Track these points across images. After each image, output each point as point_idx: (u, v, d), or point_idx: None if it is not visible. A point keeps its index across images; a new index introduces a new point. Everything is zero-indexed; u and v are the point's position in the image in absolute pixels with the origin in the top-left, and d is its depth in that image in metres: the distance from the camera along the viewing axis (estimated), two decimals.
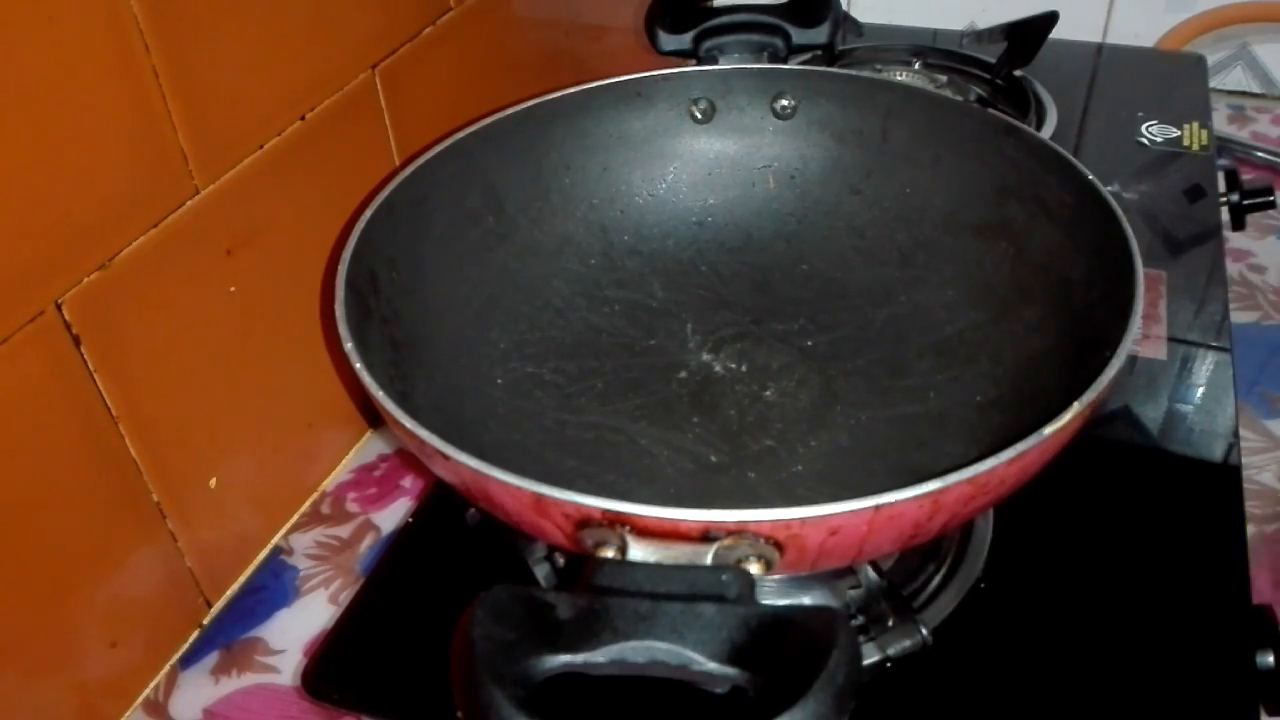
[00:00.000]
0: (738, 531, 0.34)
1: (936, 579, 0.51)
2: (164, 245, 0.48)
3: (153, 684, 0.53)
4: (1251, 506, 0.57)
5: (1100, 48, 1.00)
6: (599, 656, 0.30)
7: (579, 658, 0.31)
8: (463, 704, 0.29)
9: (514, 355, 0.58)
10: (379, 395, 0.41)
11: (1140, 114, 0.87)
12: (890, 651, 0.47)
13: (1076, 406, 0.38)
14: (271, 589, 0.57)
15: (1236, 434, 0.59)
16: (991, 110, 0.59)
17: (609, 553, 0.34)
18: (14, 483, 0.43)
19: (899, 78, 0.86)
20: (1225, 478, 0.56)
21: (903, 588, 0.50)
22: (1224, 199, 0.77)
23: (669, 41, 0.64)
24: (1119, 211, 0.48)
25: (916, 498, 0.35)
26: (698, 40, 0.63)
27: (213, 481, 0.54)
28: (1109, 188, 0.51)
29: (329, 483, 0.63)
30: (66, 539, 0.46)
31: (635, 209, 0.64)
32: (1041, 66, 0.88)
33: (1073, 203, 0.52)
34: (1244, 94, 1.03)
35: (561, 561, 0.53)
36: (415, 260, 0.54)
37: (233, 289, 0.53)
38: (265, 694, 0.52)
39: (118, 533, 0.49)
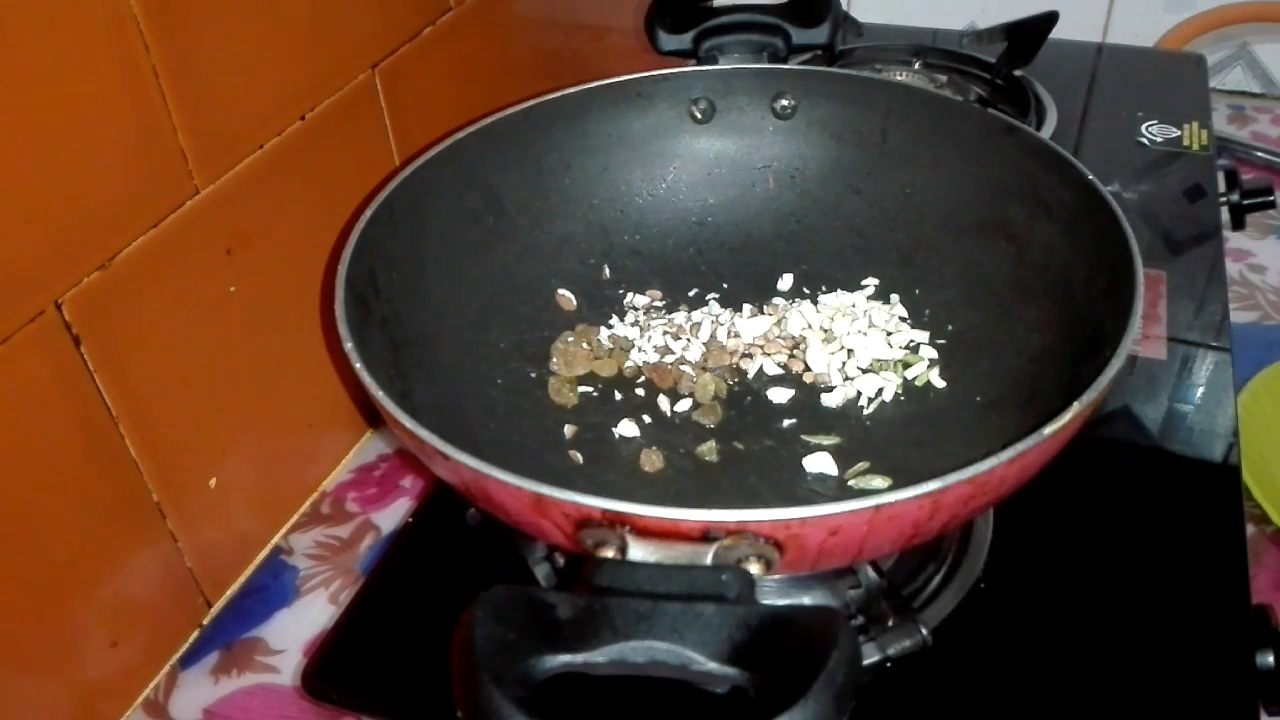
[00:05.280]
0: (738, 531, 0.34)
1: (936, 579, 0.51)
2: (164, 245, 0.48)
3: (153, 684, 0.53)
4: (1251, 506, 0.57)
5: (1100, 48, 1.00)
6: (599, 656, 0.30)
7: (579, 658, 0.31)
8: (463, 704, 0.29)
9: (514, 355, 0.58)
10: (379, 395, 0.41)
11: (1140, 114, 0.87)
12: (890, 651, 0.47)
13: (1076, 406, 0.38)
14: (271, 589, 0.57)
15: (1236, 434, 0.59)
16: (991, 110, 0.59)
17: (609, 553, 0.34)
18: (14, 483, 0.43)
19: (899, 78, 0.86)
20: (1225, 478, 0.56)
21: (903, 588, 0.50)
22: (1224, 199, 0.77)
23: (669, 41, 0.64)
24: (1119, 211, 0.48)
25: (916, 498, 0.35)
26: (698, 40, 0.63)
27: (213, 481, 0.54)
28: (1109, 188, 0.51)
29: (329, 483, 0.63)
30: (67, 539, 0.46)
31: (635, 209, 0.64)
32: (1041, 66, 0.88)
33: (1073, 203, 0.52)
34: (1244, 94, 1.03)
35: (561, 561, 0.53)
36: (415, 260, 0.54)
37: (233, 289, 0.53)
38: (265, 694, 0.52)
39: (118, 533, 0.49)
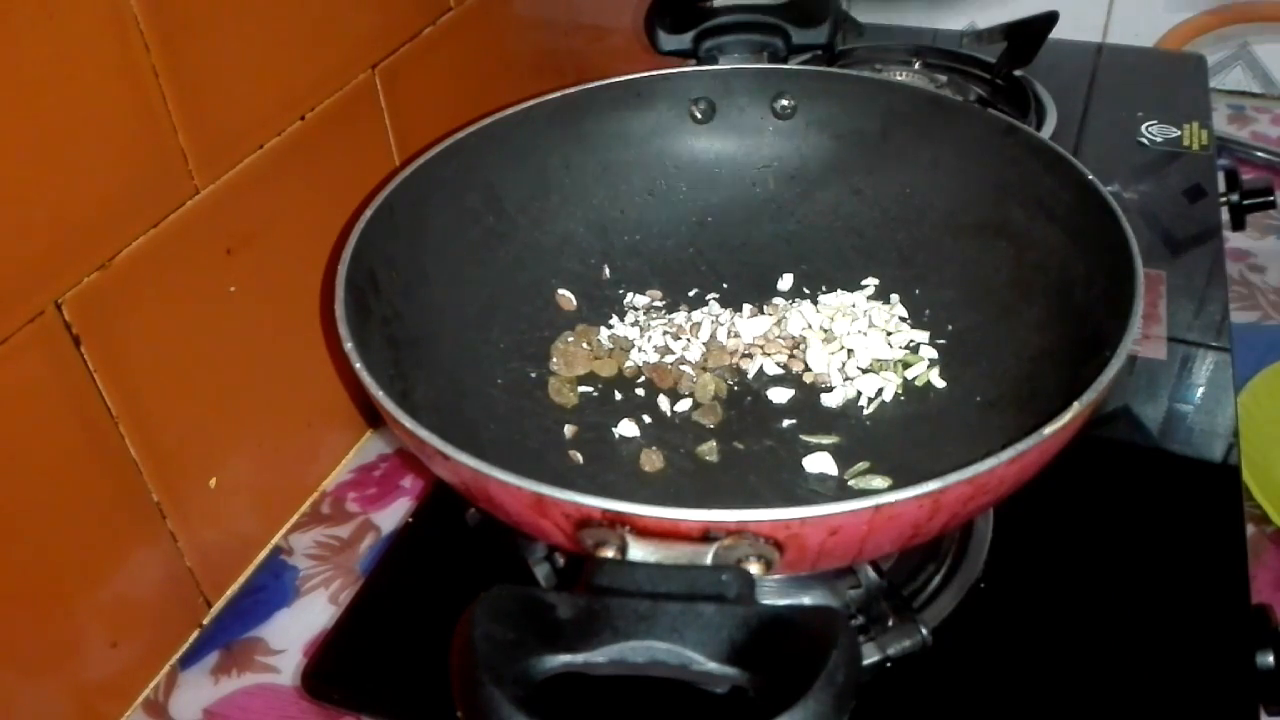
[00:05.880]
0: (738, 531, 0.34)
1: (936, 579, 0.51)
2: (164, 245, 0.48)
3: (153, 684, 0.53)
4: (1251, 506, 0.57)
5: (1100, 48, 1.00)
6: (599, 656, 0.30)
7: (579, 658, 0.31)
8: (463, 704, 0.29)
9: (514, 355, 0.58)
10: (379, 395, 0.41)
11: (1140, 114, 0.87)
12: (890, 651, 0.47)
13: (1076, 406, 0.38)
14: (271, 589, 0.57)
15: (1236, 434, 0.59)
16: (991, 110, 0.59)
17: (609, 553, 0.34)
18: (14, 483, 0.43)
19: (899, 78, 0.86)
20: (1225, 478, 0.56)
21: (903, 588, 0.50)
22: (1224, 199, 0.77)
23: (669, 41, 0.64)
24: (1119, 211, 0.48)
25: (916, 498, 0.35)
26: (698, 40, 0.63)
27: (213, 481, 0.54)
28: (1109, 188, 0.51)
29: (329, 483, 0.63)
30: (67, 539, 0.46)
31: (635, 209, 0.64)
32: (1041, 66, 0.88)
33: (1073, 203, 0.52)
34: (1244, 94, 1.03)
35: (561, 561, 0.53)
36: (415, 260, 0.54)
37: (233, 289, 0.53)
38: (265, 694, 0.52)
39: (118, 533, 0.49)
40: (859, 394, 0.55)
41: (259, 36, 0.50)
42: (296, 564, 0.59)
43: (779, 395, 0.56)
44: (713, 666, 0.30)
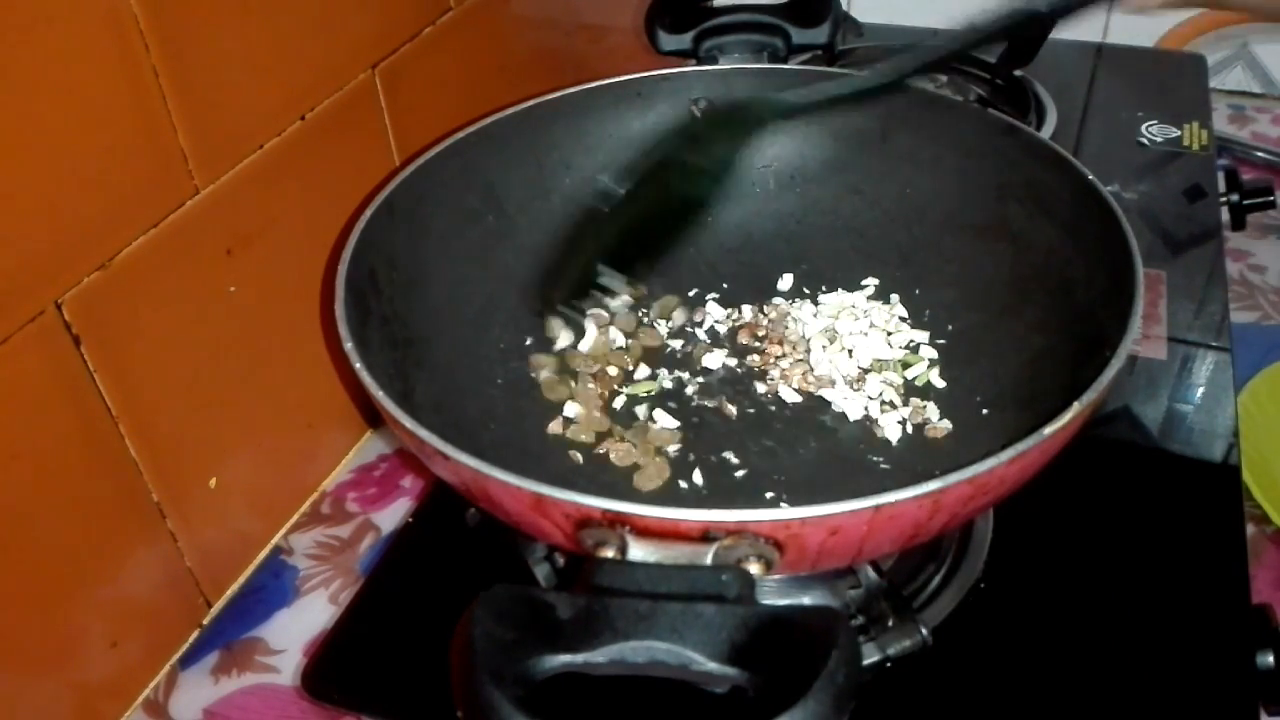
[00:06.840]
0: (738, 531, 0.34)
1: (936, 579, 0.51)
2: (164, 245, 0.48)
3: (153, 684, 0.53)
4: (1251, 506, 0.57)
5: (1100, 48, 1.00)
6: (599, 656, 0.30)
7: (579, 658, 0.31)
8: (463, 704, 0.29)
9: (514, 355, 0.58)
10: (379, 395, 0.41)
11: (1140, 114, 0.87)
12: (890, 651, 0.47)
13: (1076, 406, 0.38)
14: (271, 589, 0.57)
15: (1236, 434, 0.59)
16: (991, 110, 0.59)
17: (609, 553, 0.34)
18: (14, 483, 0.43)
19: None
20: (1225, 478, 0.56)
21: (903, 588, 0.50)
22: (1224, 199, 0.77)
23: (669, 41, 0.64)
24: (1119, 211, 0.48)
25: (916, 498, 0.35)
26: (698, 40, 0.63)
27: (213, 481, 0.54)
28: (1109, 188, 0.51)
29: (329, 483, 0.63)
30: (66, 539, 0.46)
31: None
32: (1041, 66, 0.87)
33: (1073, 203, 0.52)
34: (1244, 94, 1.03)
35: (561, 561, 0.53)
36: (415, 260, 0.54)
37: (233, 289, 0.53)
38: (265, 694, 0.52)
39: (118, 533, 0.49)
40: (859, 394, 0.55)
41: (259, 36, 0.50)
42: (296, 564, 0.59)
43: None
44: (713, 667, 0.30)
